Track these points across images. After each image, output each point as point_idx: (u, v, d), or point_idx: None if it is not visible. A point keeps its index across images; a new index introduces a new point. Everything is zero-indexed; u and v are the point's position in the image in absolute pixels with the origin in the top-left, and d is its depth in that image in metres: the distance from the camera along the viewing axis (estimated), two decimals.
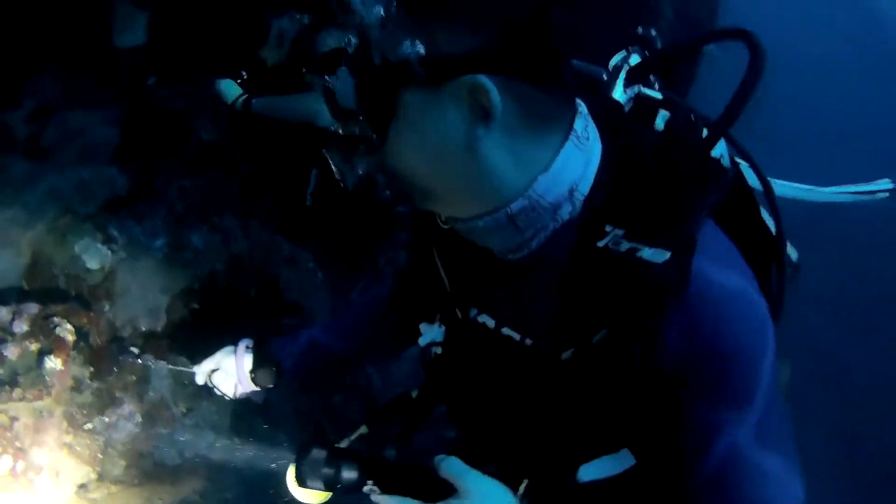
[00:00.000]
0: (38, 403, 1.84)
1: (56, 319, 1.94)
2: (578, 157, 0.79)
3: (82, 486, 1.91)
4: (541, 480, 0.89)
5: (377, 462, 0.89)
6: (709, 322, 0.75)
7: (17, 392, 1.80)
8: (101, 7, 2.63)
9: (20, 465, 1.76)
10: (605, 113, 0.86)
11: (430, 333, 1.01)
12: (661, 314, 0.75)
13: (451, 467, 0.81)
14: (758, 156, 0.94)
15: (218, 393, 1.45)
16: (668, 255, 0.74)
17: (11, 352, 1.82)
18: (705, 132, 0.84)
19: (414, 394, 1.11)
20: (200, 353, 1.47)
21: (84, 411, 1.95)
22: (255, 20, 2.50)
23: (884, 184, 1.04)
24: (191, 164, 2.61)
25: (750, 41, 0.78)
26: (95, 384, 1.99)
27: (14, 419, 1.79)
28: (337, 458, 0.89)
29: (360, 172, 2.48)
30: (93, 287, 2.14)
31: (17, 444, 1.77)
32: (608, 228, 0.77)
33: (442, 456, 0.82)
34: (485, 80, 0.72)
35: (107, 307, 2.13)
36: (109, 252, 2.20)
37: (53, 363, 1.86)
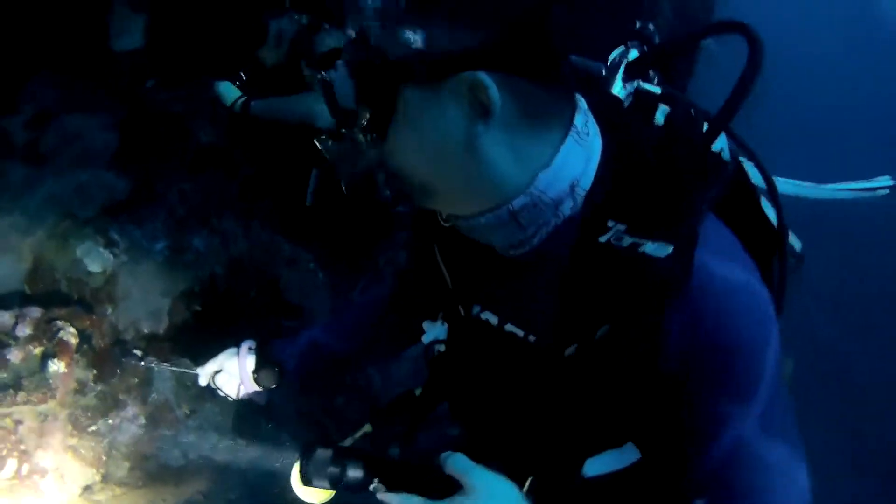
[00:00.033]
0: (43, 406, 1.84)
1: (59, 323, 1.94)
2: (579, 153, 0.80)
3: (87, 488, 1.91)
4: (546, 476, 0.89)
5: (382, 460, 0.89)
6: (711, 315, 0.75)
7: (21, 395, 1.80)
8: (98, 11, 2.63)
9: (25, 467, 1.76)
10: (604, 108, 0.86)
11: (433, 331, 1.01)
12: (665, 309, 0.75)
13: (457, 464, 0.81)
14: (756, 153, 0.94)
15: (221, 394, 1.45)
16: (670, 249, 0.74)
17: (15, 355, 1.83)
18: (705, 126, 0.84)
19: (417, 392, 1.11)
20: (203, 354, 1.47)
21: (88, 414, 1.95)
22: (254, 21, 2.50)
23: (884, 181, 1.05)
24: (190, 166, 2.61)
25: (748, 34, 0.78)
26: (99, 387, 1.99)
27: (18, 422, 1.80)
28: (342, 457, 0.89)
29: (360, 172, 2.47)
30: (95, 290, 2.14)
31: (22, 446, 1.78)
32: (610, 224, 0.77)
33: (447, 452, 0.82)
34: (484, 76, 0.72)
35: (109, 310, 2.14)
36: (111, 255, 2.20)
37: (57, 366, 1.87)
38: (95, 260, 2.16)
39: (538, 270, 0.84)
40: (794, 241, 0.95)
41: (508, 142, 0.77)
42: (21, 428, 1.79)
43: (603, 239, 0.77)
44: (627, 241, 0.76)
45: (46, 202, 2.24)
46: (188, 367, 1.52)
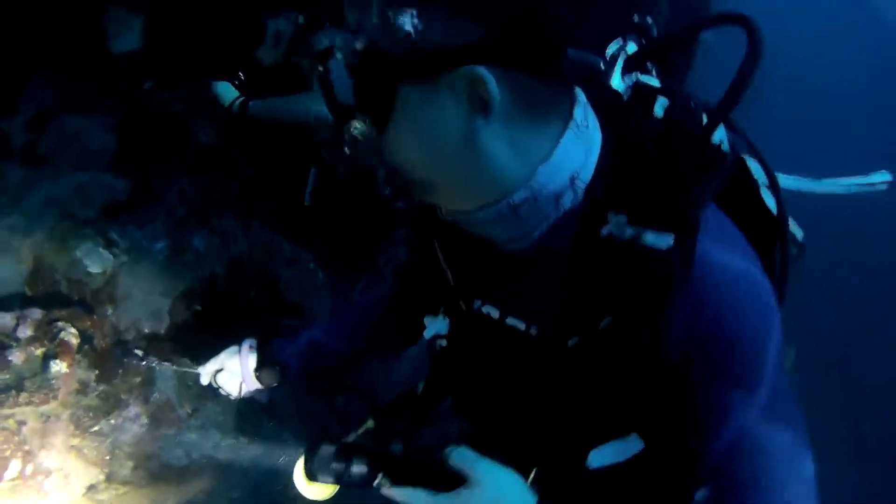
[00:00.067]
0: (45, 407, 1.85)
1: (60, 324, 1.94)
2: (579, 146, 0.80)
3: (91, 488, 1.91)
4: (551, 468, 0.89)
5: (386, 455, 0.89)
6: (712, 305, 0.75)
7: (23, 396, 1.80)
8: (95, 12, 2.63)
9: (29, 468, 1.76)
10: (603, 101, 0.86)
11: (435, 326, 1.01)
12: (667, 299, 0.75)
13: (462, 456, 0.81)
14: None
15: (223, 393, 1.46)
16: (671, 239, 0.74)
17: (17, 357, 1.83)
18: (705, 118, 0.84)
19: (420, 387, 1.11)
20: (204, 354, 1.47)
21: (90, 414, 1.95)
22: (251, 21, 2.50)
23: (883, 175, 1.05)
24: (190, 166, 2.61)
25: (748, 26, 0.78)
26: (101, 387, 1.99)
27: (21, 423, 1.80)
28: (346, 453, 0.89)
29: (360, 168, 2.48)
30: (95, 291, 2.14)
31: (26, 447, 1.78)
32: (610, 215, 0.77)
33: (452, 446, 0.82)
34: (483, 71, 0.72)
35: (110, 311, 2.14)
36: (111, 256, 2.20)
37: (59, 367, 1.87)
38: (95, 260, 2.16)
39: (539, 264, 0.84)
40: (796, 230, 0.95)
41: (508, 136, 0.77)
42: (24, 429, 1.79)
43: (604, 231, 0.77)
44: (628, 232, 0.76)
45: (46, 203, 2.24)
46: (189, 366, 1.52)
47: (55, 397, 1.86)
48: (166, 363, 1.65)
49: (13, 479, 1.73)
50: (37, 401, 1.82)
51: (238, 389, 1.43)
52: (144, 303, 2.23)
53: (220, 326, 2.34)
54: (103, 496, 1.93)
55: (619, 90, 0.92)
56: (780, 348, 0.78)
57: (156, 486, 2.04)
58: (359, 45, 0.78)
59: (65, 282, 2.11)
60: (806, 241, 1.03)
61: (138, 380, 2.08)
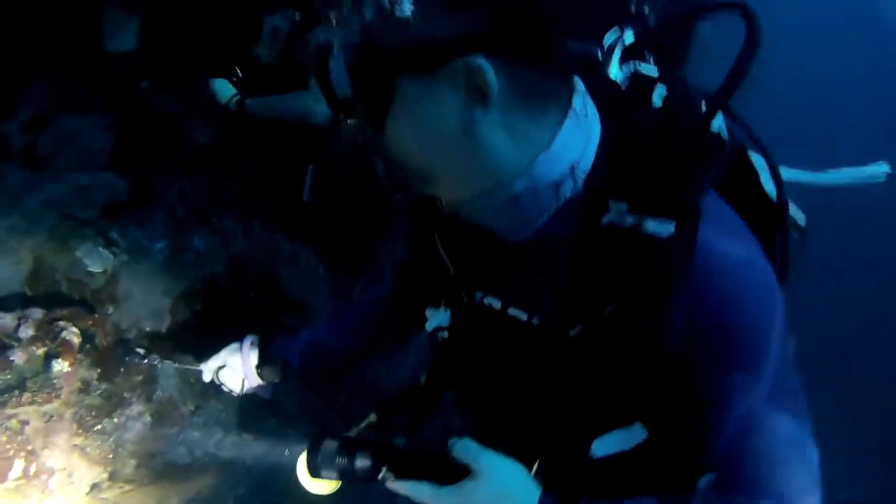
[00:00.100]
0: (48, 407, 1.85)
1: (61, 323, 1.94)
2: (578, 135, 0.80)
3: (95, 487, 1.92)
4: (554, 458, 0.90)
5: (390, 449, 0.90)
6: (713, 293, 0.75)
7: (26, 396, 1.80)
8: (90, 13, 2.62)
9: (33, 467, 1.77)
10: (601, 91, 0.86)
11: (437, 318, 1.01)
12: (669, 287, 0.75)
13: (465, 448, 0.81)
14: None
15: (225, 390, 1.46)
16: (672, 227, 0.74)
17: (19, 357, 1.83)
18: (704, 106, 0.84)
19: (422, 379, 1.11)
20: (205, 352, 1.48)
21: (93, 413, 1.95)
22: (248, 18, 2.49)
23: (882, 167, 1.04)
24: (189, 166, 2.61)
25: (746, 13, 0.78)
26: (103, 386, 1.99)
27: (24, 423, 1.80)
28: (350, 448, 0.89)
29: (359, 161, 2.47)
30: (96, 291, 2.14)
31: (29, 447, 1.78)
32: (611, 203, 0.77)
33: (455, 438, 0.82)
34: (481, 61, 0.72)
35: (111, 310, 2.14)
36: (111, 256, 2.20)
37: (61, 366, 1.87)
38: (96, 260, 2.16)
39: (540, 254, 0.84)
40: (798, 215, 0.95)
41: (507, 126, 0.77)
42: (27, 428, 1.79)
43: (605, 220, 0.77)
44: (629, 220, 0.76)
45: (45, 204, 2.24)
46: (191, 363, 1.53)
47: (58, 396, 1.86)
48: (168, 361, 1.65)
49: (17, 479, 1.73)
50: (39, 400, 1.82)
51: (240, 386, 1.43)
52: (145, 302, 2.23)
53: (220, 325, 2.34)
54: (107, 495, 1.94)
55: (618, 80, 0.92)
56: (783, 335, 0.78)
57: (159, 483, 2.05)
58: (356, 40, 0.78)
59: (65, 282, 2.11)
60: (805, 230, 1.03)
61: (140, 378, 2.08)
